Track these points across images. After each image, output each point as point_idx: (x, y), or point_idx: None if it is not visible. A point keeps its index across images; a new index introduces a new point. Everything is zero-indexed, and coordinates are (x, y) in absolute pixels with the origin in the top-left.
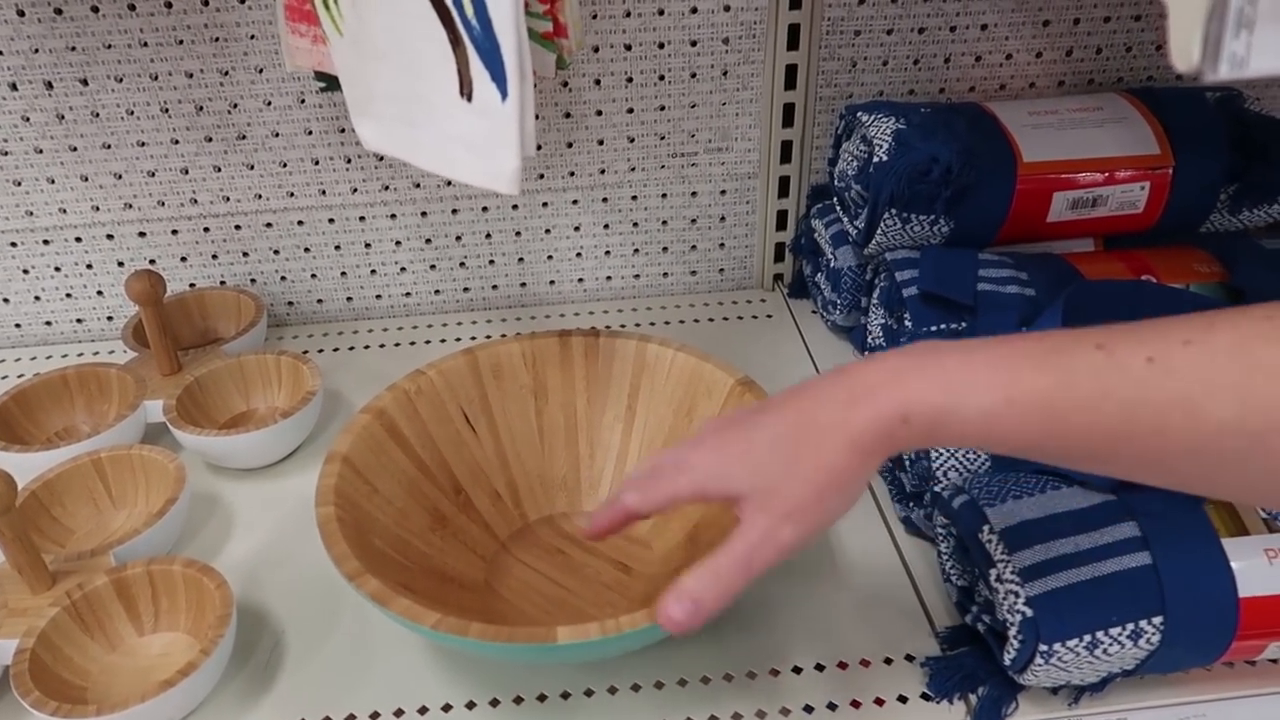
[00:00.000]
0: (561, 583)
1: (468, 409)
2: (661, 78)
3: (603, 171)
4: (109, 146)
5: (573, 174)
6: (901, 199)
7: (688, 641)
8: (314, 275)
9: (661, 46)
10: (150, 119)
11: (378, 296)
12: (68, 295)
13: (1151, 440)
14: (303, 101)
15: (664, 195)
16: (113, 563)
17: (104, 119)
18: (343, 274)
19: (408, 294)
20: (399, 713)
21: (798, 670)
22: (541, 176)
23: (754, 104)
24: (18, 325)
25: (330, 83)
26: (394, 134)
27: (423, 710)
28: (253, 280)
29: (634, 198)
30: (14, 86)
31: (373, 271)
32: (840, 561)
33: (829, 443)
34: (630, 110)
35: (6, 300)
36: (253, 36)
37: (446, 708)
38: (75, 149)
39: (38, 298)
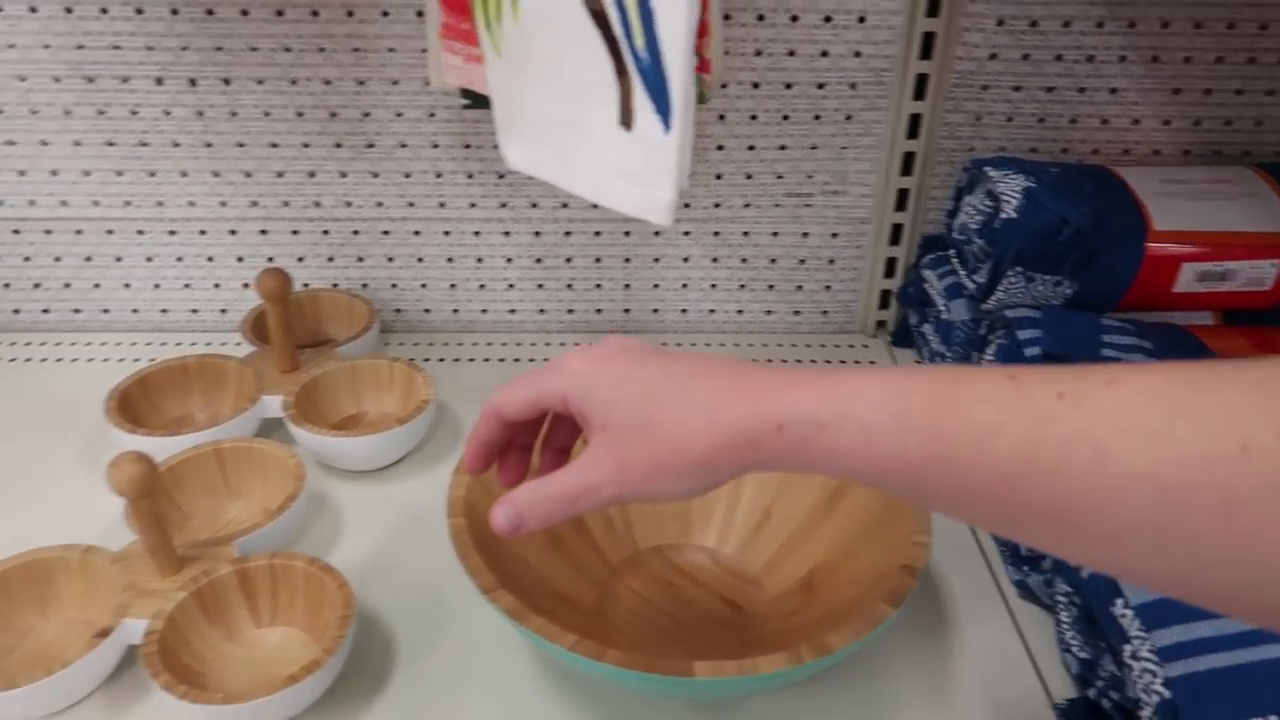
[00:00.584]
0: (672, 614)
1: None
2: (785, 118)
3: (717, 205)
4: (242, 145)
5: (688, 205)
6: (1028, 258)
7: (803, 693)
8: (424, 285)
9: (789, 87)
10: (285, 121)
11: (483, 311)
12: (186, 285)
13: (1050, 483)
14: (432, 115)
15: (775, 233)
16: (236, 553)
17: (241, 118)
18: (452, 286)
19: (513, 311)
20: None
21: None
22: None
23: (874, 150)
24: (135, 310)
25: (475, 101)
26: (542, 156)
27: None
28: (364, 285)
29: (745, 233)
30: (160, 81)
31: (481, 286)
32: (951, 621)
33: (696, 424)
34: (751, 148)
35: (128, 285)
36: (391, 49)
37: None
38: (210, 145)
39: (158, 285)
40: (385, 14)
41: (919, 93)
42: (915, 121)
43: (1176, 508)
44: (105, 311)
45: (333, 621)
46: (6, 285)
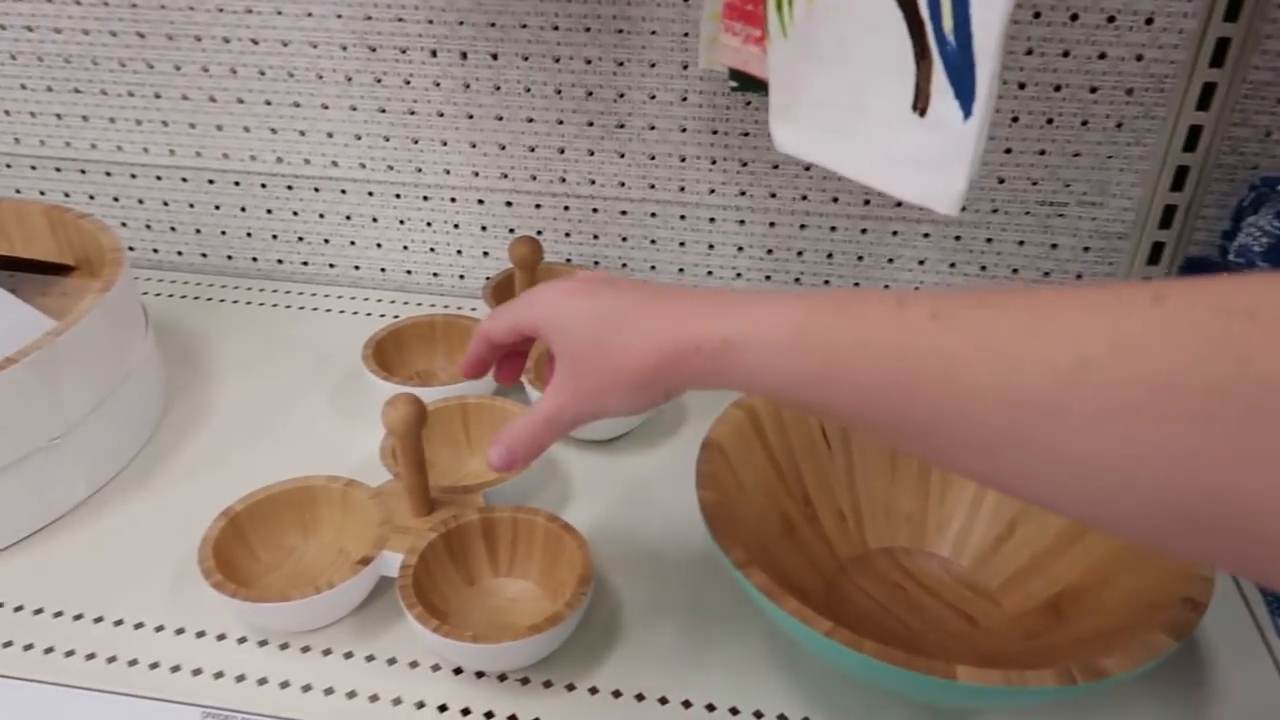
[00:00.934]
0: (901, 618)
1: (825, 424)
2: (1050, 121)
3: (963, 209)
4: (501, 119)
5: None
6: None
7: (1049, 716)
8: (653, 267)
9: (1058, 89)
10: (543, 98)
11: None
12: (431, 250)
13: (913, 395)
14: (684, 100)
15: (1021, 243)
16: (483, 502)
17: (503, 93)
18: (680, 270)
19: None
20: (734, 711)
21: None
22: (899, 205)
23: (1143, 161)
24: (383, 270)
25: (743, 84)
26: (818, 140)
27: (758, 715)
28: (596, 263)
29: (989, 240)
30: (434, 54)
31: (709, 273)
32: (1208, 668)
33: (629, 349)
34: (1008, 150)
35: (380, 245)
36: (654, 31)
37: (782, 718)
38: (472, 117)
39: (406, 247)
40: None
41: (1203, 103)
42: (1194, 133)
43: (1023, 420)
44: (356, 268)
45: (568, 579)
46: (275, 236)
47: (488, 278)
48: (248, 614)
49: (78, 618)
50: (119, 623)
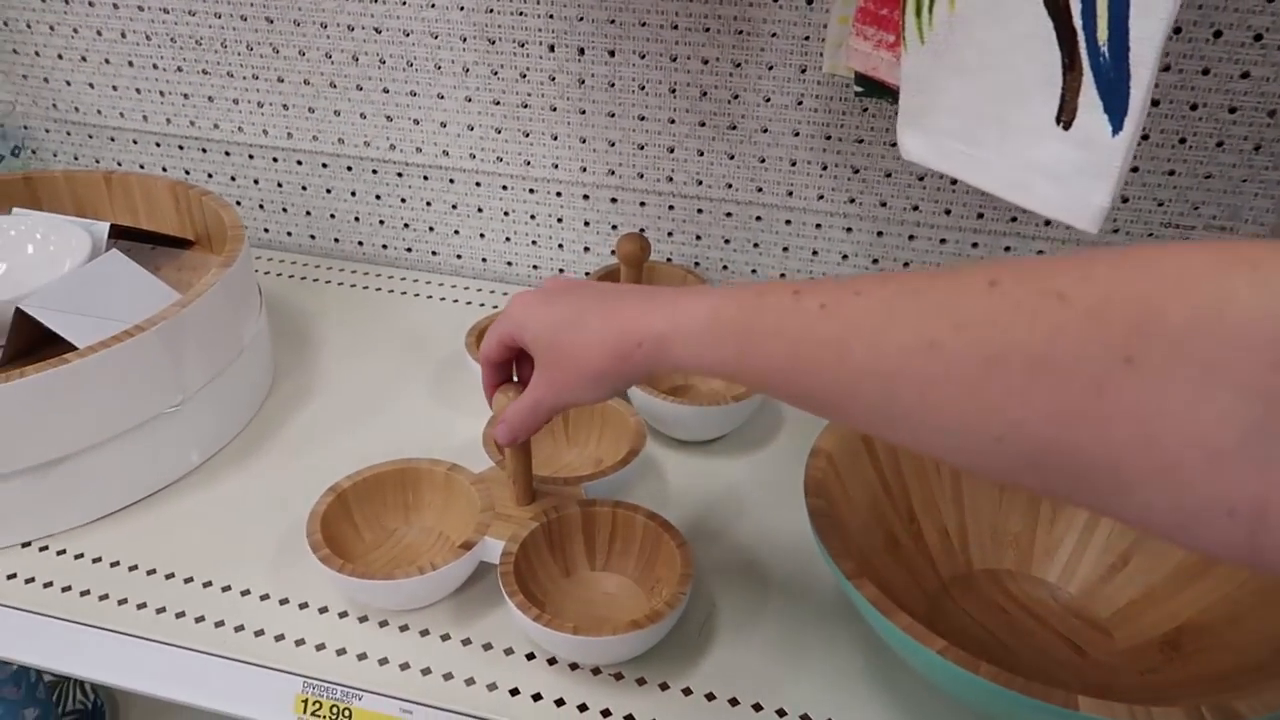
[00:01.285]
0: (1005, 642)
1: None
2: (1183, 140)
3: None
4: (613, 115)
5: (1049, 223)
6: None
7: None
8: (754, 270)
9: (1194, 108)
10: (657, 96)
11: None
12: (533, 242)
13: (810, 376)
14: (800, 104)
15: None
16: (583, 495)
17: (617, 89)
18: (782, 275)
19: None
20: None
21: None
22: (1014, 220)
23: None
24: (484, 259)
25: (869, 89)
26: (947, 149)
27: None
28: (696, 264)
29: None
30: (552, 48)
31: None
32: None
33: (583, 349)
34: (1135, 169)
35: (483, 235)
36: (774, 34)
37: None
38: (584, 112)
39: (508, 239)
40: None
41: None
42: None
43: (891, 393)
44: (458, 257)
45: (666, 576)
46: (382, 222)
47: (588, 273)
48: (353, 590)
49: (188, 580)
50: (226, 588)
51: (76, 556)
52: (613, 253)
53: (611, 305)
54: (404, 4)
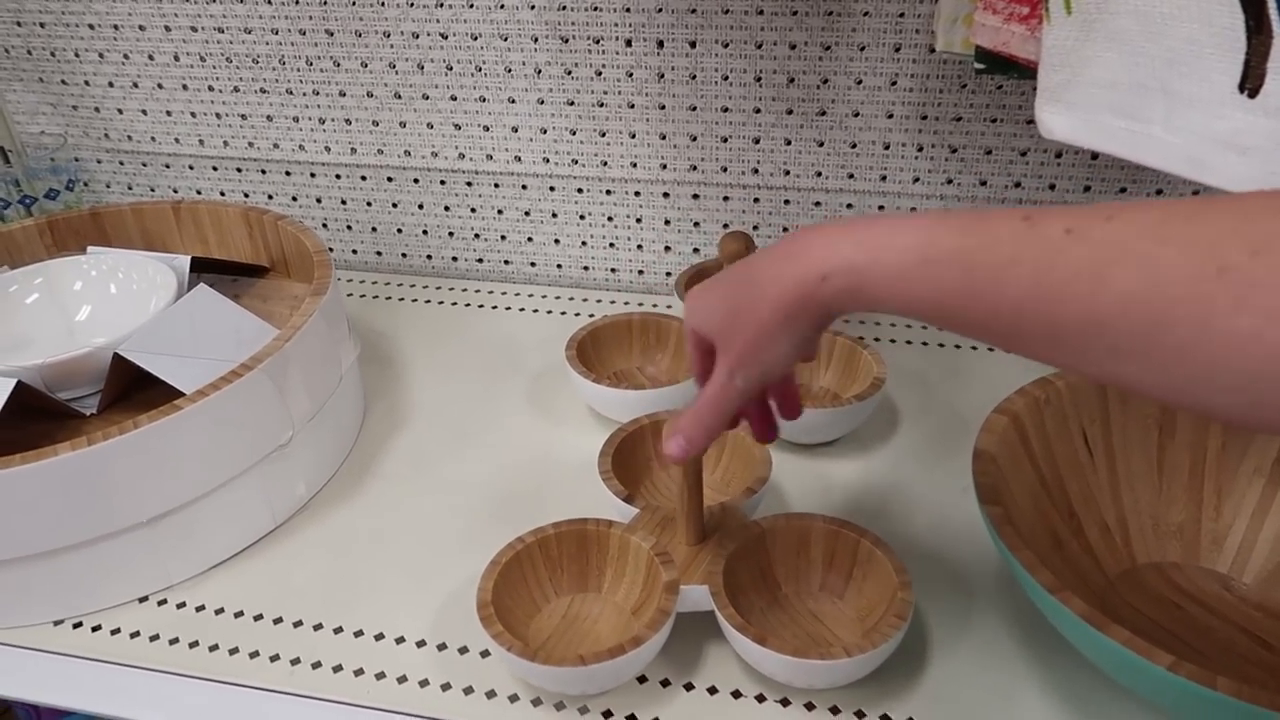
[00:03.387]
0: (1187, 641)
1: (1089, 429)
2: None
3: (1195, 192)
4: (694, 109)
5: (1161, 191)
6: None
7: None
8: None
9: None
10: (741, 86)
11: None
12: (610, 245)
13: (1055, 308)
14: (894, 84)
15: None
16: (745, 517)
17: (699, 81)
18: None
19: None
20: None
21: None
22: (1124, 190)
23: None
24: (559, 265)
25: (991, 65)
26: (1101, 125)
27: None
28: None
29: None
30: (629, 43)
31: None
32: None
33: (760, 299)
34: None
35: (558, 241)
36: (866, 13)
37: None
38: (664, 108)
39: (584, 243)
40: None
41: None
42: None
43: (1164, 324)
44: (532, 264)
45: (867, 585)
46: (451, 234)
47: (668, 273)
48: (537, 676)
49: (317, 627)
50: (338, 630)
51: (198, 608)
52: (695, 251)
53: (778, 250)
54: (471, 7)
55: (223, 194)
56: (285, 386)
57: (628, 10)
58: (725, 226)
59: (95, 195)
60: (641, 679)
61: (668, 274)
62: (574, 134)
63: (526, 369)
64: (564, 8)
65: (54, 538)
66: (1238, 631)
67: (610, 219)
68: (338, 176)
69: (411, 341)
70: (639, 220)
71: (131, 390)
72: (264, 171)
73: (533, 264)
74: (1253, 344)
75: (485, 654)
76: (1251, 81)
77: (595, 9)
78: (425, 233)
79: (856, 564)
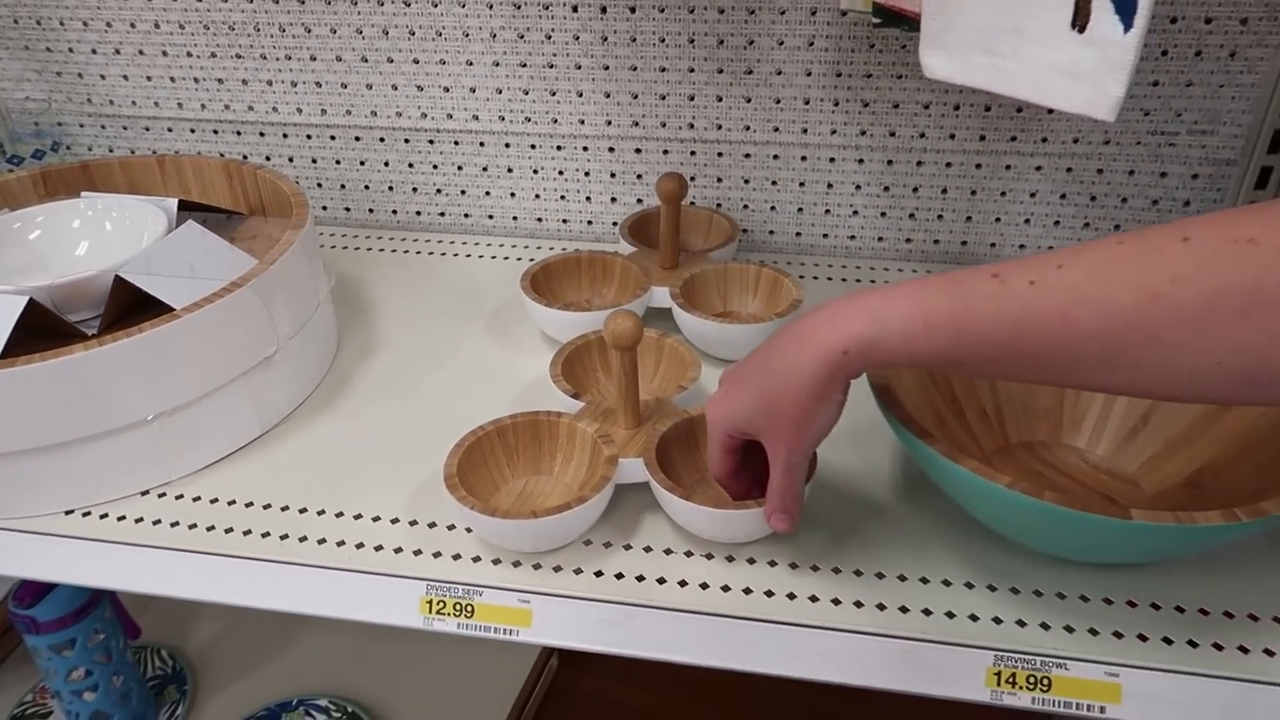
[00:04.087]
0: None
1: None
2: (1165, 53)
3: (1076, 140)
4: (635, 69)
5: (1045, 140)
6: None
7: (1187, 571)
8: (773, 208)
9: (1174, 21)
10: (677, 48)
11: (825, 235)
12: (561, 197)
13: (1037, 345)
14: (811, 45)
15: (1131, 172)
16: (676, 407)
17: (639, 44)
18: (799, 210)
19: (852, 237)
20: (902, 578)
21: None
22: (1014, 139)
23: (1255, 89)
24: (515, 218)
25: (887, 19)
26: (970, 62)
27: (924, 580)
28: (718, 205)
29: (1099, 171)
30: (575, 9)
31: (827, 211)
32: None
33: (790, 388)
34: None
35: (513, 194)
36: None
37: (946, 582)
38: (608, 68)
39: (538, 196)
40: None
41: None
42: None
43: (1120, 346)
44: (490, 217)
45: None
46: (415, 190)
47: (614, 222)
48: (493, 531)
49: (302, 511)
50: (339, 514)
51: (195, 499)
52: (639, 201)
53: (792, 340)
54: None
55: (199, 154)
56: (270, 304)
57: None
58: None
59: (77, 157)
60: (587, 542)
61: (614, 223)
62: (527, 94)
63: (485, 306)
64: None
65: (65, 431)
66: (1091, 492)
67: (561, 173)
68: (309, 136)
69: (380, 286)
70: (587, 174)
71: (128, 315)
72: (239, 133)
73: (490, 216)
74: (1187, 351)
75: (451, 527)
76: (1080, 19)
77: None
78: (390, 189)
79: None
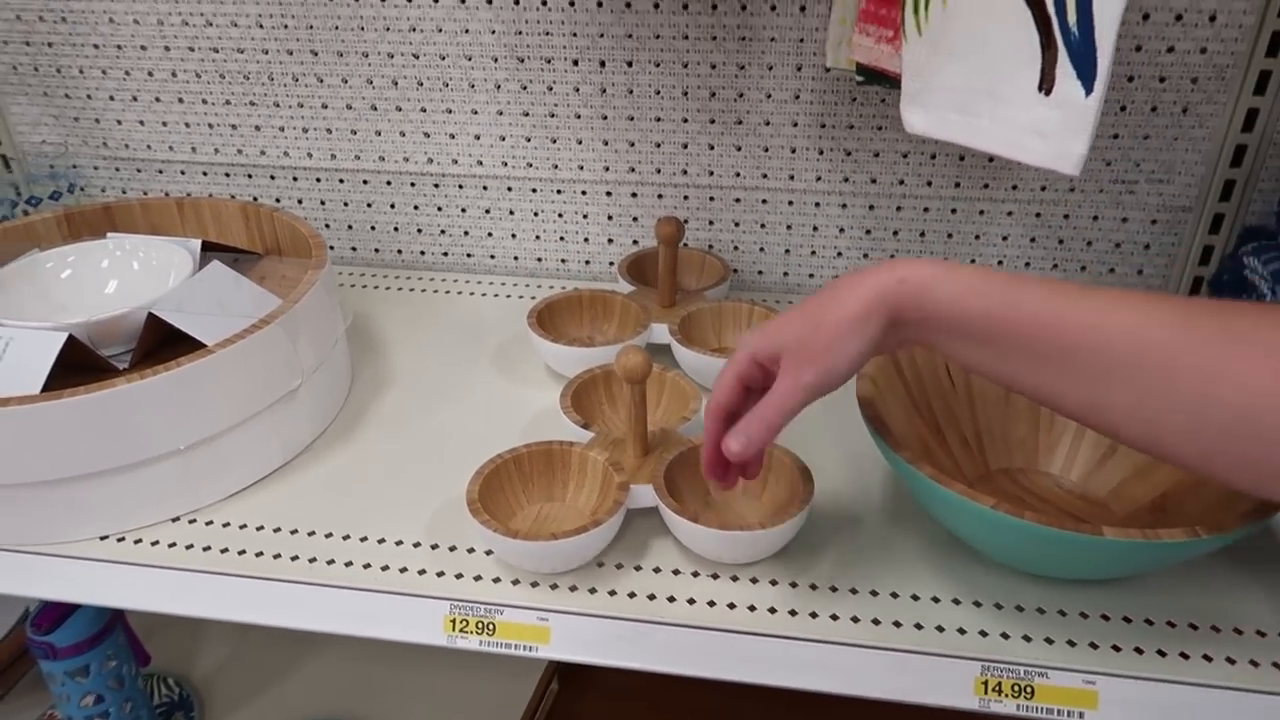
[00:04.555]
0: None
1: (950, 363)
2: (1123, 108)
3: (1044, 188)
4: (632, 119)
5: (1015, 187)
6: None
7: (1156, 587)
8: (761, 249)
9: (1130, 80)
10: (671, 99)
11: (810, 275)
12: (560, 238)
13: (1073, 338)
14: (797, 98)
15: (1095, 217)
16: (682, 437)
17: (635, 96)
18: (786, 251)
19: (836, 276)
20: (894, 594)
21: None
22: (986, 186)
23: (1205, 142)
24: (515, 258)
25: (869, 78)
26: (948, 119)
27: (914, 597)
28: (710, 246)
29: (1066, 216)
30: (576, 63)
31: (812, 253)
32: None
33: (841, 304)
34: None
35: (514, 236)
36: (773, 39)
37: (935, 599)
38: (606, 118)
39: (538, 237)
40: (773, 8)
41: (1259, 88)
42: (1251, 116)
43: (1138, 359)
44: (491, 257)
45: (780, 489)
46: (419, 230)
47: (611, 262)
48: (513, 552)
49: (328, 535)
50: (363, 539)
51: (224, 525)
52: (634, 242)
53: (848, 278)
54: (440, 31)
55: (210, 195)
56: (295, 339)
57: (574, 35)
58: None
59: (91, 198)
60: (600, 564)
61: (610, 263)
62: (529, 141)
63: (490, 341)
64: (520, 33)
65: (104, 460)
66: (1065, 515)
67: (560, 215)
68: (318, 180)
69: (387, 322)
70: (585, 216)
71: (157, 351)
72: (249, 175)
73: (492, 256)
74: (1193, 390)
75: (471, 550)
76: (1046, 83)
77: (547, 34)
78: (395, 229)
79: (770, 470)
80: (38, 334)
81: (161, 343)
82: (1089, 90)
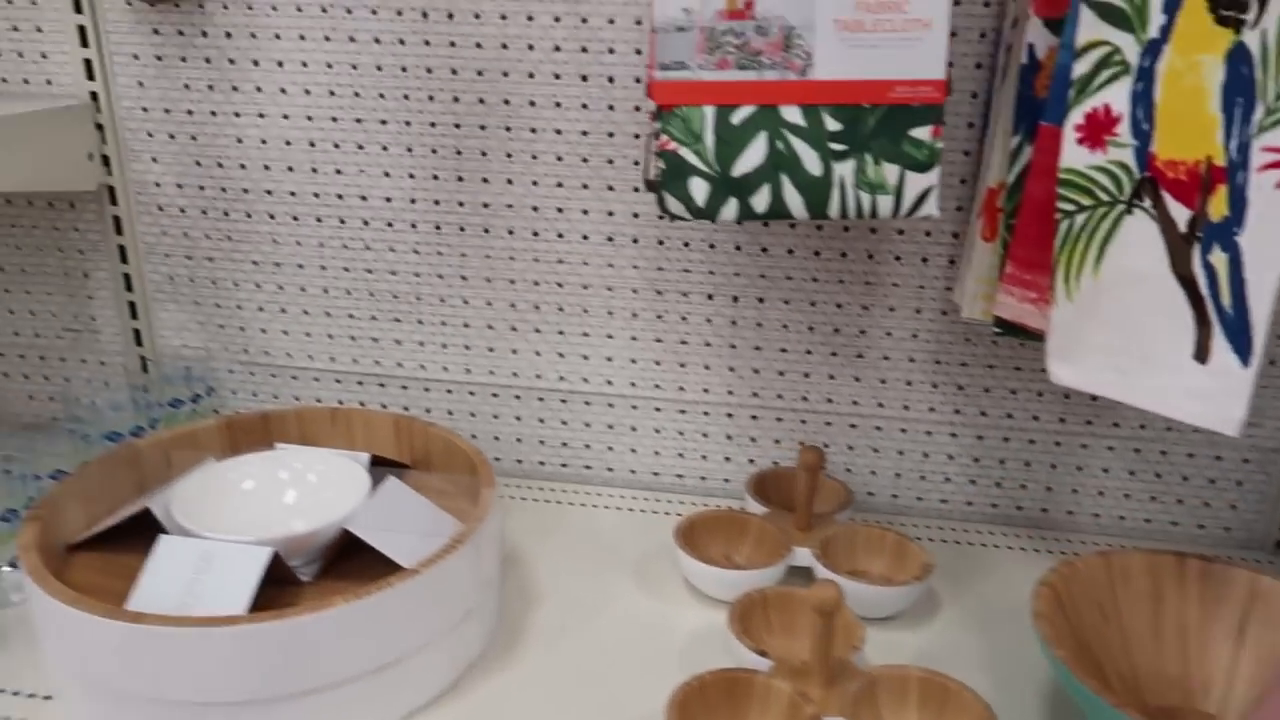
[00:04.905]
0: None
1: (1103, 601)
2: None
3: (1143, 427)
4: (759, 349)
5: (1117, 424)
6: None
7: None
8: (873, 473)
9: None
10: (797, 333)
11: (919, 498)
12: (679, 455)
13: None
14: (914, 337)
15: (1190, 455)
16: (856, 666)
17: (764, 328)
18: (897, 475)
19: (944, 501)
20: None
21: None
22: (1089, 422)
23: None
24: (633, 471)
25: (1007, 330)
26: (1097, 375)
27: None
28: (822, 468)
29: (1163, 453)
30: (710, 296)
31: (922, 477)
32: None
33: None
34: None
35: (634, 450)
36: (895, 285)
37: None
38: (734, 346)
39: (657, 453)
40: (897, 259)
41: None
42: None
43: None
44: (610, 470)
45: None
46: (541, 442)
47: (726, 479)
48: None
49: None
50: None
51: None
52: (750, 461)
53: None
54: (585, 265)
55: (340, 402)
56: (479, 557)
57: (711, 273)
58: (777, 442)
59: (220, 401)
60: None
61: (725, 480)
62: (658, 364)
63: (623, 555)
64: (660, 269)
65: (309, 679)
66: None
67: (681, 433)
68: (449, 391)
69: (517, 532)
70: (705, 435)
71: (335, 561)
72: (382, 385)
73: (610, 469)
74: None
75: None
76: (1201, 354)
77: (686, 270)
78: (519, 440)
79: (947, 703)
80: (242, 549)
81: (340, 555)
82: (1245, 362)
